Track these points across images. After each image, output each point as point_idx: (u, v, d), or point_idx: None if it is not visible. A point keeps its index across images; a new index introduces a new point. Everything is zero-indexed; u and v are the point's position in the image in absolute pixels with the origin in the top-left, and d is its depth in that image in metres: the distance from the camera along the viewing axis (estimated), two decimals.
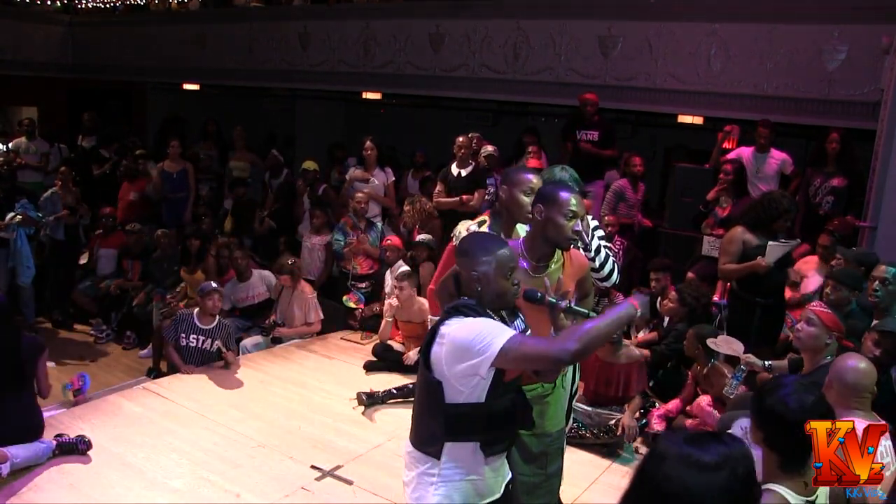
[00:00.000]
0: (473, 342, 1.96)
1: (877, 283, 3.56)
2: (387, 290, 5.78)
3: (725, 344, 3.83)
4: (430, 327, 2.19)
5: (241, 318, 6.12)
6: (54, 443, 3.59)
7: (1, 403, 3.41)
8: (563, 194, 2.43)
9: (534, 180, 2.76)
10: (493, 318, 2.11)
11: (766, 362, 3.67)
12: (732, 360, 4.35)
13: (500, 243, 2.19)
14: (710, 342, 3.90)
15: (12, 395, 3.48)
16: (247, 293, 6.12)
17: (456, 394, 2.02)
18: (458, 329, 2.01)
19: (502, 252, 2.13)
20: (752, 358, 3.69)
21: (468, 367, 1.98)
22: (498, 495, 2.21)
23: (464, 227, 3.11)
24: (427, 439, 2.13)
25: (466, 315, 2.04)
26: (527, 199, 2.67)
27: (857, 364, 2.52)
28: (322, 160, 8.07)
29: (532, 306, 2.28)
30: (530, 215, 2.54)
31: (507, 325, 2.12)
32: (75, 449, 3.63)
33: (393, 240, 6.04)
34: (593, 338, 1.93)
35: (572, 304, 2.23)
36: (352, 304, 5.93)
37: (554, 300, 2.22)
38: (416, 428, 2.20)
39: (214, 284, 5.29)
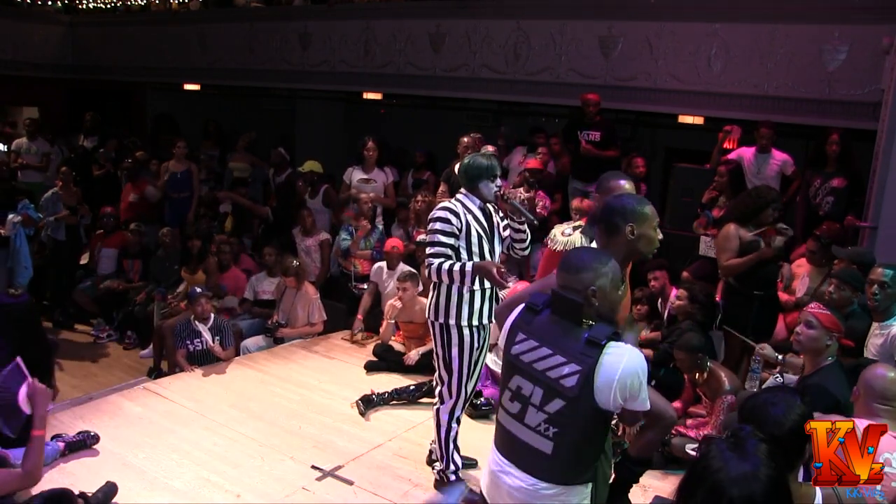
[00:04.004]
0: (641, 388, 1.97)
1: (875, 286, 3.52)
2: (389, 290, 5.77)
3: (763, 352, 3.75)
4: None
5: (251, 315, 6.15)
6: (61, 445, 3.60)
7: None
8: (649, 207, 2.41)
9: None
10: None
11: (780, 357, 3.63)
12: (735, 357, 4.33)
13: (608, 256, 2.15)
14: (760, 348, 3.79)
15: None
16: (265, 288, 6.20)
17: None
18: (630, 364, 1.95)
19: (613, 264, 2.11)
20: (767, 350, 3.66)
21: (624, 401, 1.97)
22: None
23: (559, 231, 3.10)
24: (584, 469, 2.05)
25: (619, 340, 1.99)
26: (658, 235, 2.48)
27: (886, 373, 2.55)
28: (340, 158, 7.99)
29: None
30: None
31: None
32: (83, 445, 3.66)
33: (395, 242, 6.01)
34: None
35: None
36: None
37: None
38: (568, 464, 2.04)
39: (199, 289, 5.50)
